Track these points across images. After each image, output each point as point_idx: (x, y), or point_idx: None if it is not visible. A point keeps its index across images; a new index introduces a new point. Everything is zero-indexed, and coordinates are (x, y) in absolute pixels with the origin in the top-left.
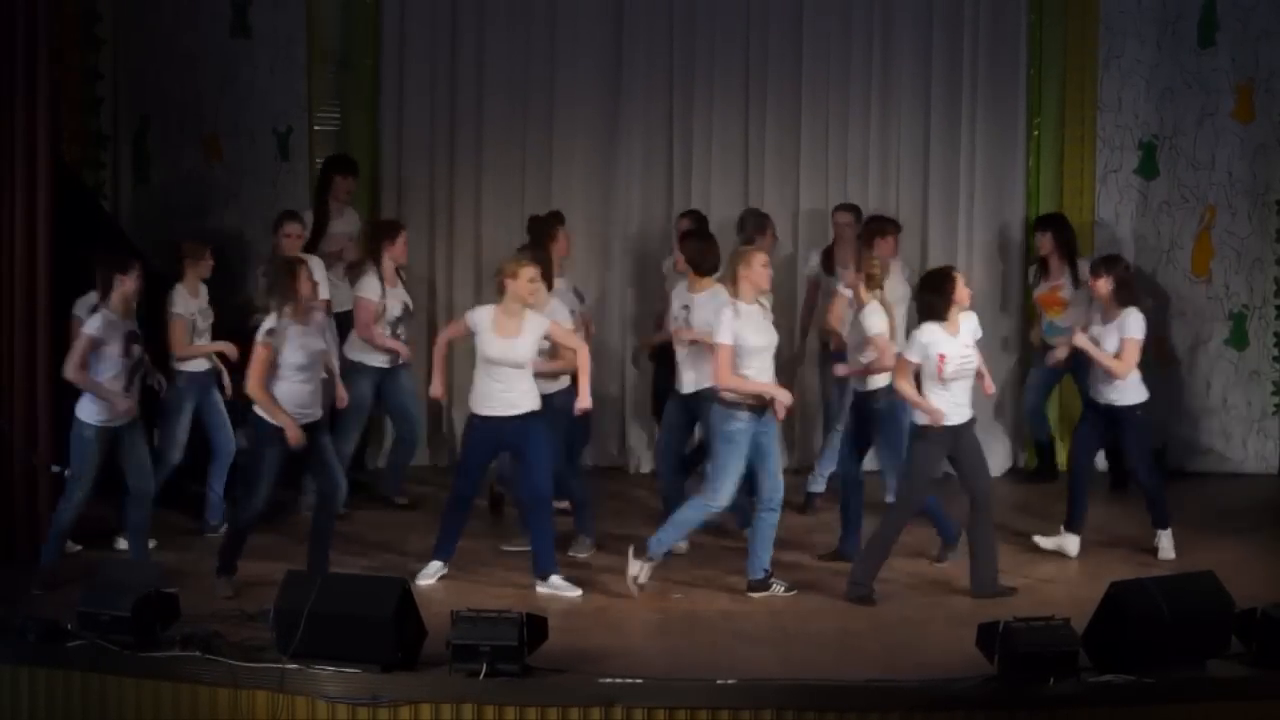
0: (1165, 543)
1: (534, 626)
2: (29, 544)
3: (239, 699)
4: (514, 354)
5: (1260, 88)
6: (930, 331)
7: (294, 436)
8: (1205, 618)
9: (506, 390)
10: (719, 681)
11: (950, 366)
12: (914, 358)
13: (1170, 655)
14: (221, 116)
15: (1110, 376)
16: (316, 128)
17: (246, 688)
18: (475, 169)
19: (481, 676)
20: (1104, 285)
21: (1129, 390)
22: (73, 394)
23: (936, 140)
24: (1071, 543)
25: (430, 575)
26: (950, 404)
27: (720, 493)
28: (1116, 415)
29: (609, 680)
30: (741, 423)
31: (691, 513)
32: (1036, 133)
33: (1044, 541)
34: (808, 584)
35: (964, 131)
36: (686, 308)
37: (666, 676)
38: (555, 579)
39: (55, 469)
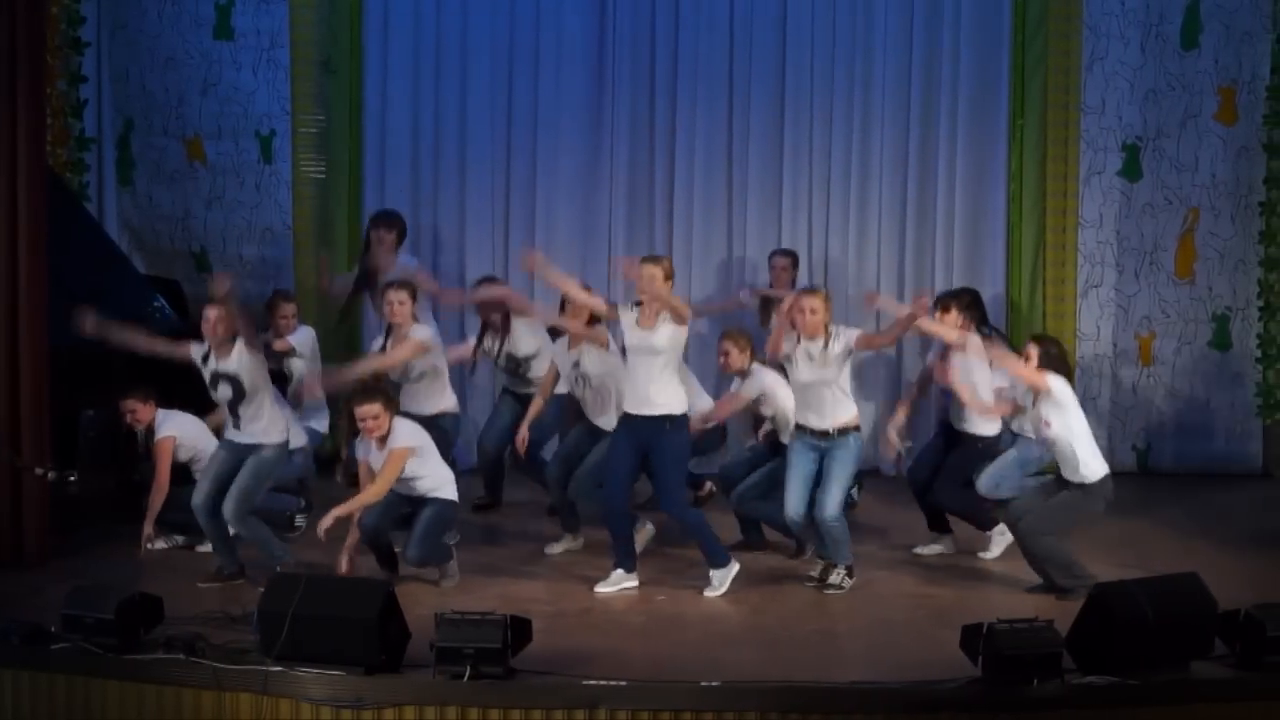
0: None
1: (518, 629)
2: (14, 548)
3: (222, 701)
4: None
5: (1243, 90)
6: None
7: None
8: (1189, 619)
9: None
10: (703, 684)
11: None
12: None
13: (1154, 657)
14: (205, 119)
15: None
16: (300, 130)
17: (230, 690)
18: (459, 172)
19: (465, 679)
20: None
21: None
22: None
23: (919, 142)
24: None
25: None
26: None
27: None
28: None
29: (593, 682)
30: (795, 438)
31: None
32: (1020, 135)
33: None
34: (795, 584)
35: (946, 133)
36: None
37: (650, 679)
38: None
39: (39, 472)
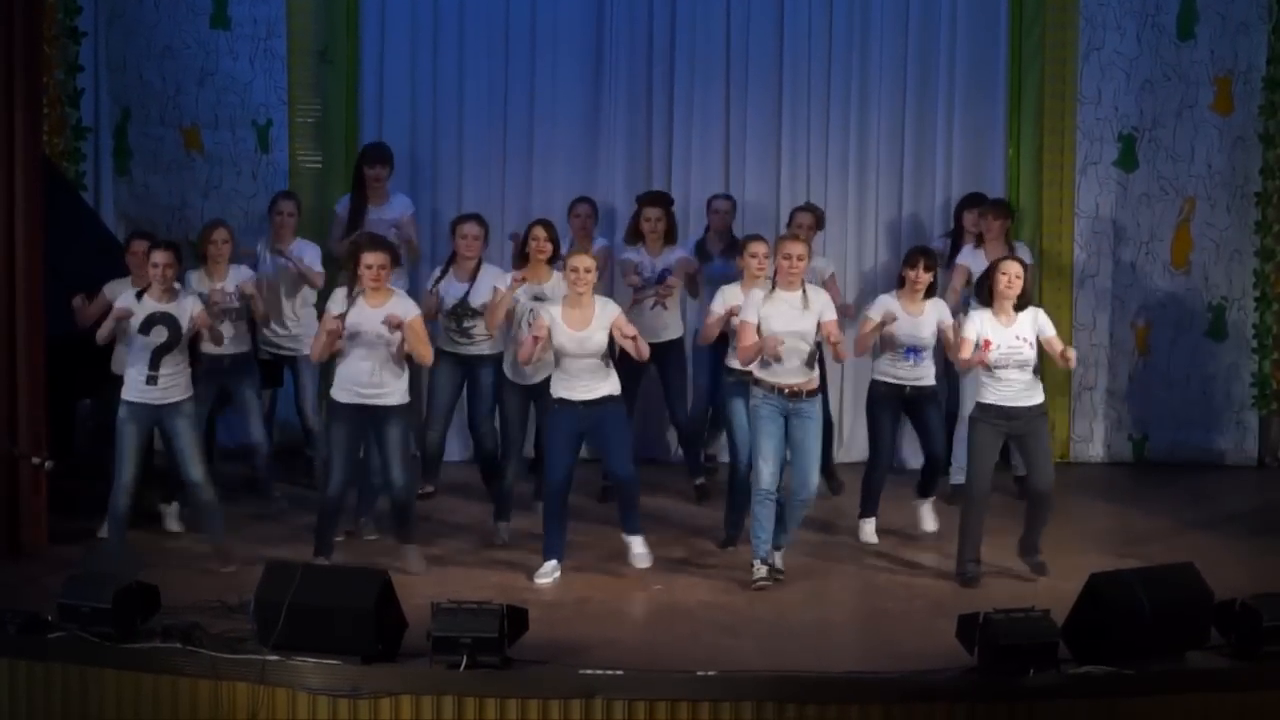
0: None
1: (515, 618)
2: (11, 537)
3: (219, 691)
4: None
5: (1239, 80)
6: (979, 318)
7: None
8: (1185, 609)
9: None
10: (699, 673)
11: (994, 354)
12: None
13: (1150, 647)
14: (202, 108)
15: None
16: (297, 120)
17: (227, 679)
18: (456, 161)
19: (462, 668)
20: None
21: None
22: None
23: (916, 131)
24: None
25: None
26: (1000, 389)
27: (756, 474)
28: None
29: (590, 672)
30: (755, 399)
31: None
32: (1016, 125)
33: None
34: (790, 575)
35: (943, 123)
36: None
37: (647, 668)
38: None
39: (36, 461)
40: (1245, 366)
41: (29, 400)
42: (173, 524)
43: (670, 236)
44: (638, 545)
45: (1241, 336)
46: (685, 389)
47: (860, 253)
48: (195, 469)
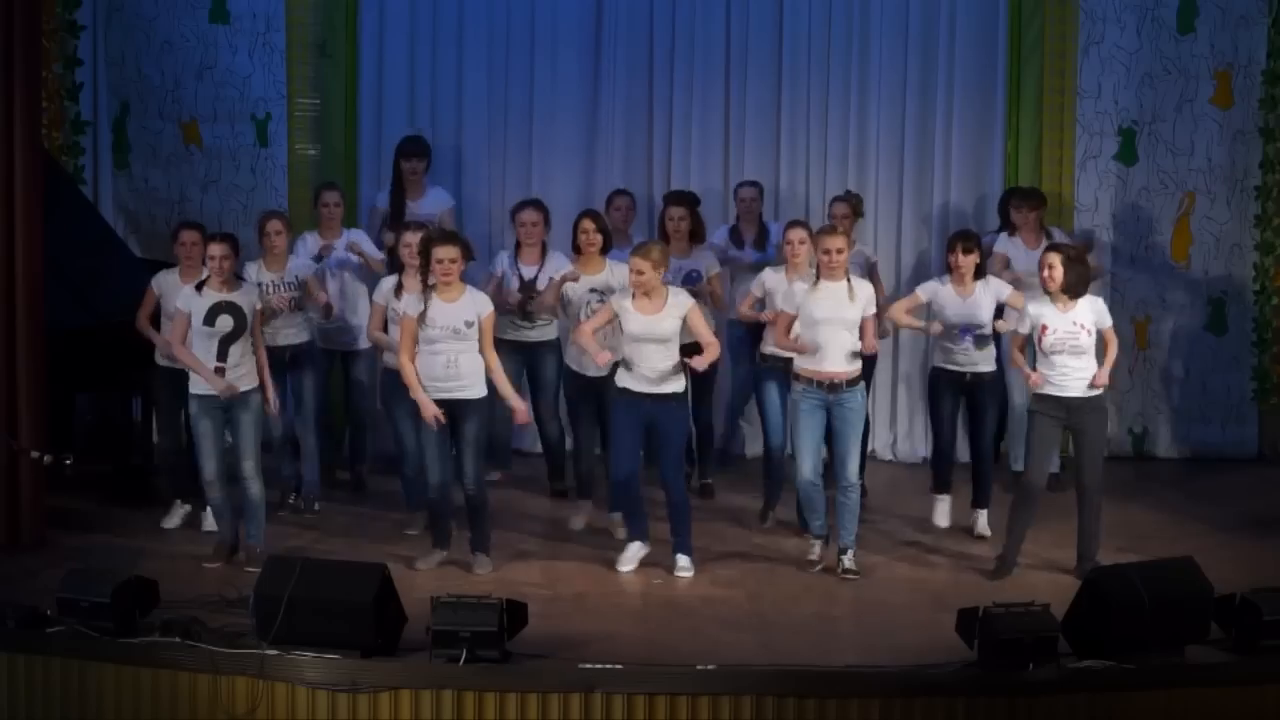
0: (983, 521)
1: (514, 612)
2: (10, 531)
3: (219, 685)
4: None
5: (1239, 74)
6: (1035, 307)
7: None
8: (1184, 604)
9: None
10: (699, 667)
11: (1050, 338)
12: (1023, 329)
13: (1149, 641)
14: (201, 102)
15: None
16: (296, 114)
17: (226, 674)
18: (455, 156)
19: (461, 662)
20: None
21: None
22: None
23: (915, 125)
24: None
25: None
26: (1055, 377)
27: (798, 469)
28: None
29: (589, 666)
30: (795, 393)
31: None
32: (1015, 119)
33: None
34: (791, 567)
35: (942, 117)
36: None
37: (647, 663)
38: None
39: (35, 455)
40: (1245, 360)
41: (29, 394)
42: (174, 521)
43: (696, 236)
44: (683, 560)
45: (1241, 330)
46: (711, 390)
47: (860, 245)
48: (249, 462)
